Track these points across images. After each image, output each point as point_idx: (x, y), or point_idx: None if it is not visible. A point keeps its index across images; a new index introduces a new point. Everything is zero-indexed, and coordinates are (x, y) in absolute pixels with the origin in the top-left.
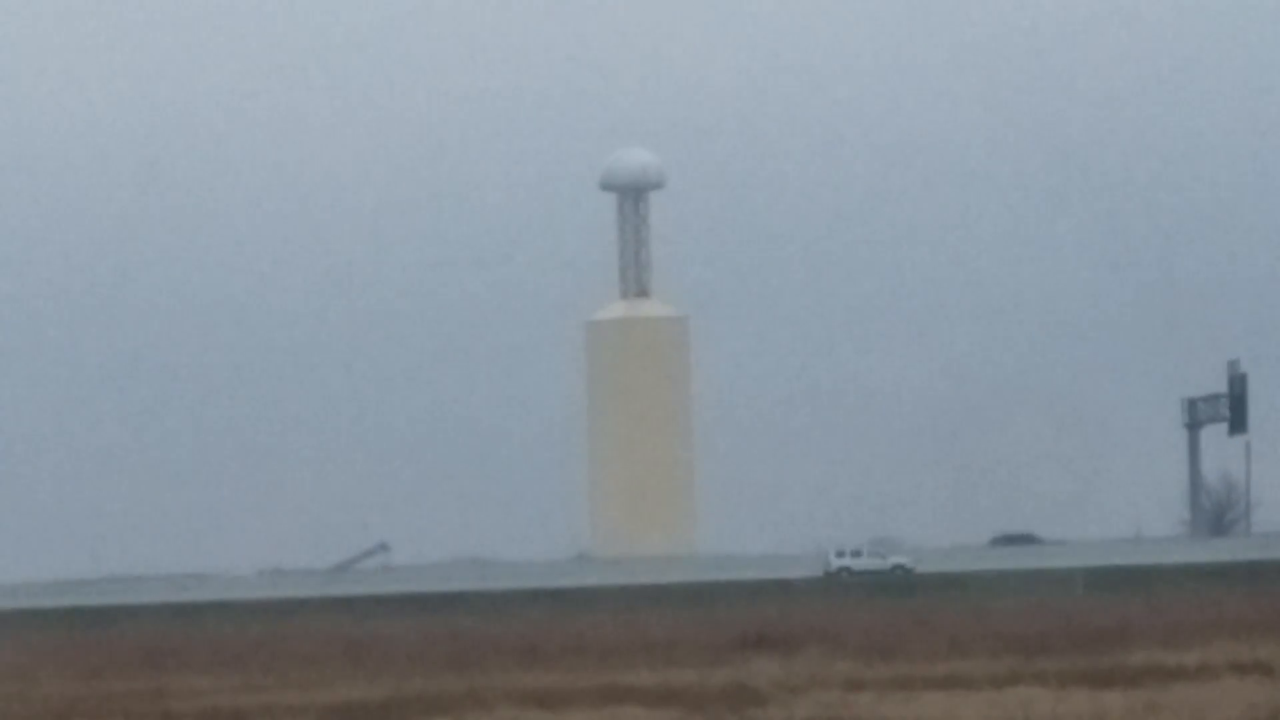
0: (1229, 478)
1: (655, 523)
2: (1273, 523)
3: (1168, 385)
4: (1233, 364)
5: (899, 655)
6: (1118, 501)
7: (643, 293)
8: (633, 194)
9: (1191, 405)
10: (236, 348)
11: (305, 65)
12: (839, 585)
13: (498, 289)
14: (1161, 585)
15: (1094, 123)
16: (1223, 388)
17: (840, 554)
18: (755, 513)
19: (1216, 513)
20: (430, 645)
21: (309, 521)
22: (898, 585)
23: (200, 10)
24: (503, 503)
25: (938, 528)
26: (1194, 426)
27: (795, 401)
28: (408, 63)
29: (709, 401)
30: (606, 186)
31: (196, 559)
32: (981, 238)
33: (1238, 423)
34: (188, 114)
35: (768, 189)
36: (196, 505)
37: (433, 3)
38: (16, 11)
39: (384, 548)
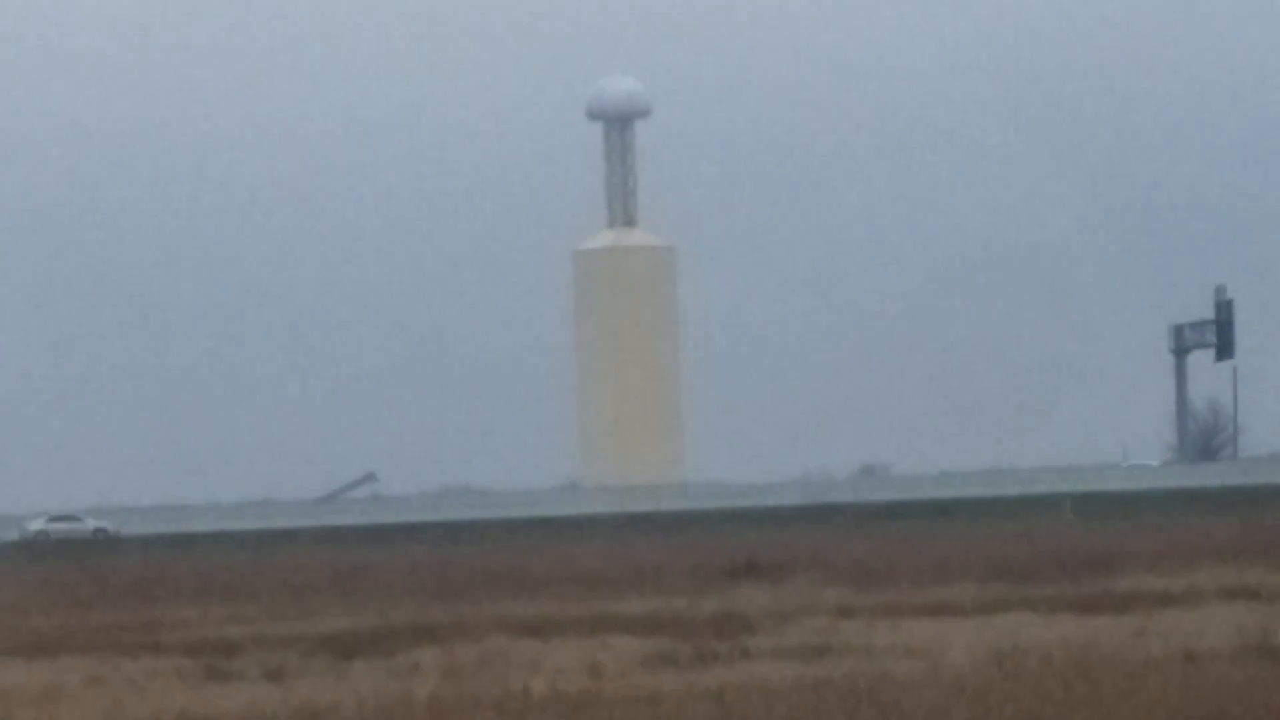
0: (1216, 403)
1: (643, 451)
2: (1260, 447)
3: (1154, 311)
4: (1219, 290)
5: (888, 582)
6: (1105, 427)
7: (630, 222)
8: (619, 122)
9: (1178, 331)
10: (223, 278)
11: None
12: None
13: (484, 218)
14: (1149, 511)
15: (1079, 49)
16: (1209, 314)
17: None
18: (743, 441)
19: (1204, 438)
20: (419, 575)
21: (297, 452)
22: (876, 512)
23: None
24: (491, 432)
25: (925, 454)
26: (1181, 352)
27: (782, 329)
28: None
29: (696, 329)
30: (593, 115)
31: (184, 490)
32: (967, 166)
33: (1224, 348)
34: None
35: (754, 116)
36: (184, 436)
37: None
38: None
39: (372, 478)
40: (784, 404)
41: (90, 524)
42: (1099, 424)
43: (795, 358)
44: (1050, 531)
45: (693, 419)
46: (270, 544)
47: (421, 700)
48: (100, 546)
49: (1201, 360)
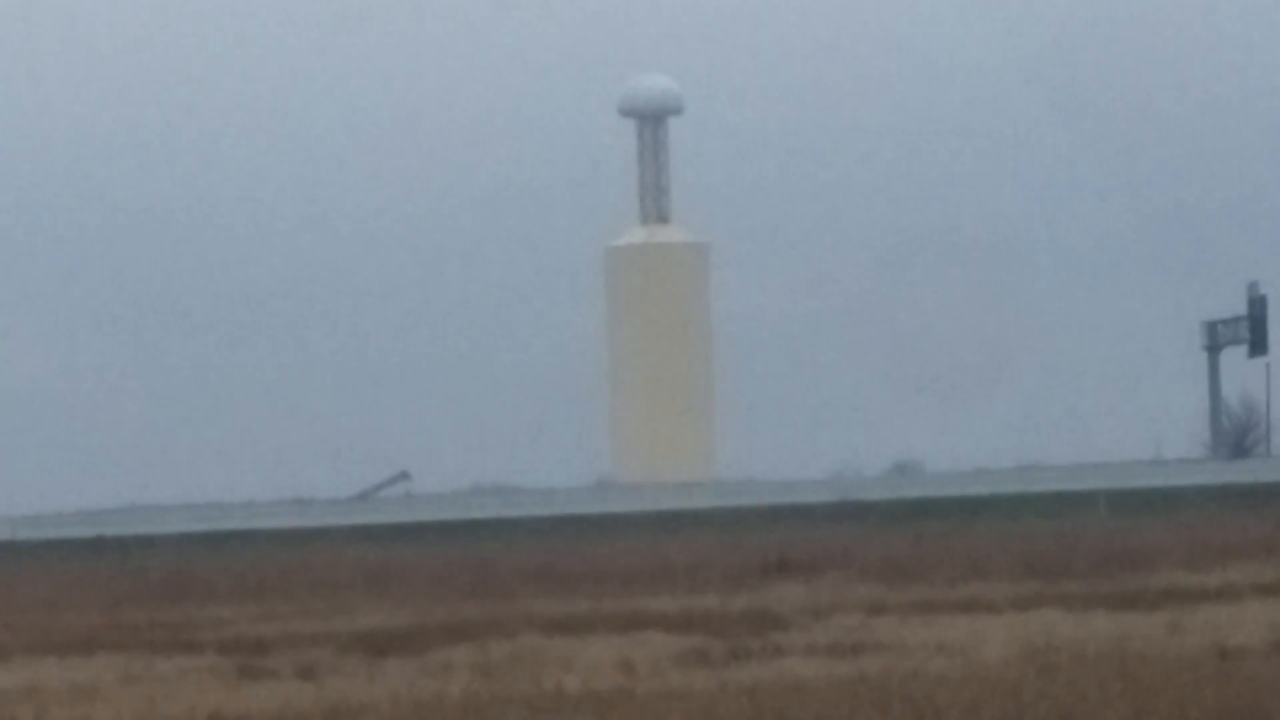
0: (1249, 400)
1: (676, 448)
2: None
3: (1187, 308)
4: (1252, 286)
5: (920, 579)
6: (1138, 423)
7: (662, 218)
8: (652, 119)
9: (1211, 328)
10: (255, 275)
11: None
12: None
13: (516, 215)
14: (1183, 507)
15: (1108, 41)
16: (1242, 310)
17: None
18: (776, 438)
19: (1237, 435)
20: (452, 573)
21: (330, 450)
22: (908, 508)
23: None
24: (523, 430)
25: (958, 450)
26: (1214, 349)
27: (815, 325)
28: None
29: (729, 326)
30: (625, 112)
31: (217, 488)
32: (1000, 162)
33: (1258, 345)
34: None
35: (787, 113)
36: (217, 434)
37: None
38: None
39: (405, 476)
40: (816, 401)
41: None
42: (1132, 420)
43: (827, 354)
44: (1084, 528)
45: (725, 416)
46: (303, 542)
47: (454, 698)
48: None
49: (1235, 357)
